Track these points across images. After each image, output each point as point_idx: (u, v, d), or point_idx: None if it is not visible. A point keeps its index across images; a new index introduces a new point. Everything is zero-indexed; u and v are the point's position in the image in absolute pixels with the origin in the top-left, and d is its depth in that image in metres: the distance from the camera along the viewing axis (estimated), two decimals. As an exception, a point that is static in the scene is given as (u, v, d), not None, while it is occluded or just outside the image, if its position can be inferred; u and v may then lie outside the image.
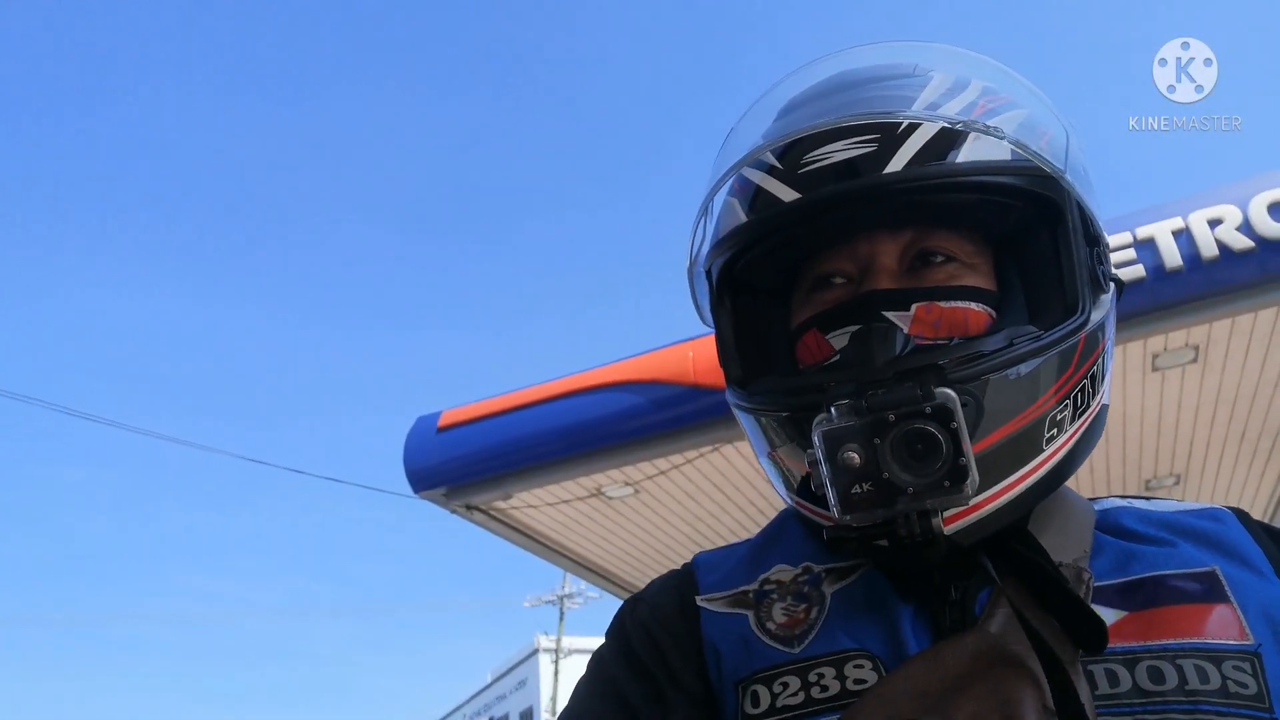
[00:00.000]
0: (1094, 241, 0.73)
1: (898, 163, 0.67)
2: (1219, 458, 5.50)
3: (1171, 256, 3.90)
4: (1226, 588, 0.64)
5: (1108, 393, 0.75)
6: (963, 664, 0.60)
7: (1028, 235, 0.72)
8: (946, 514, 0.63)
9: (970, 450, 0.59)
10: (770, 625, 0.70)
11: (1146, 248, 3.97)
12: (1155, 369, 4.47)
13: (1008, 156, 0.68)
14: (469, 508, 5.41)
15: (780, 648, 0.68)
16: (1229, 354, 4.37)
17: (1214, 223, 3.88)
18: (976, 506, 0.65)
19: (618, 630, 0.78)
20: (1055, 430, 0.67)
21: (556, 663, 28.80)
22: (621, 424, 4.69)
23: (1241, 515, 0.71)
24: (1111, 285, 0.76)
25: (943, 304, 0.70)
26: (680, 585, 0.78)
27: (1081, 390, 0.69)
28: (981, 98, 0.72)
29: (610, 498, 5.39)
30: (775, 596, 0.71)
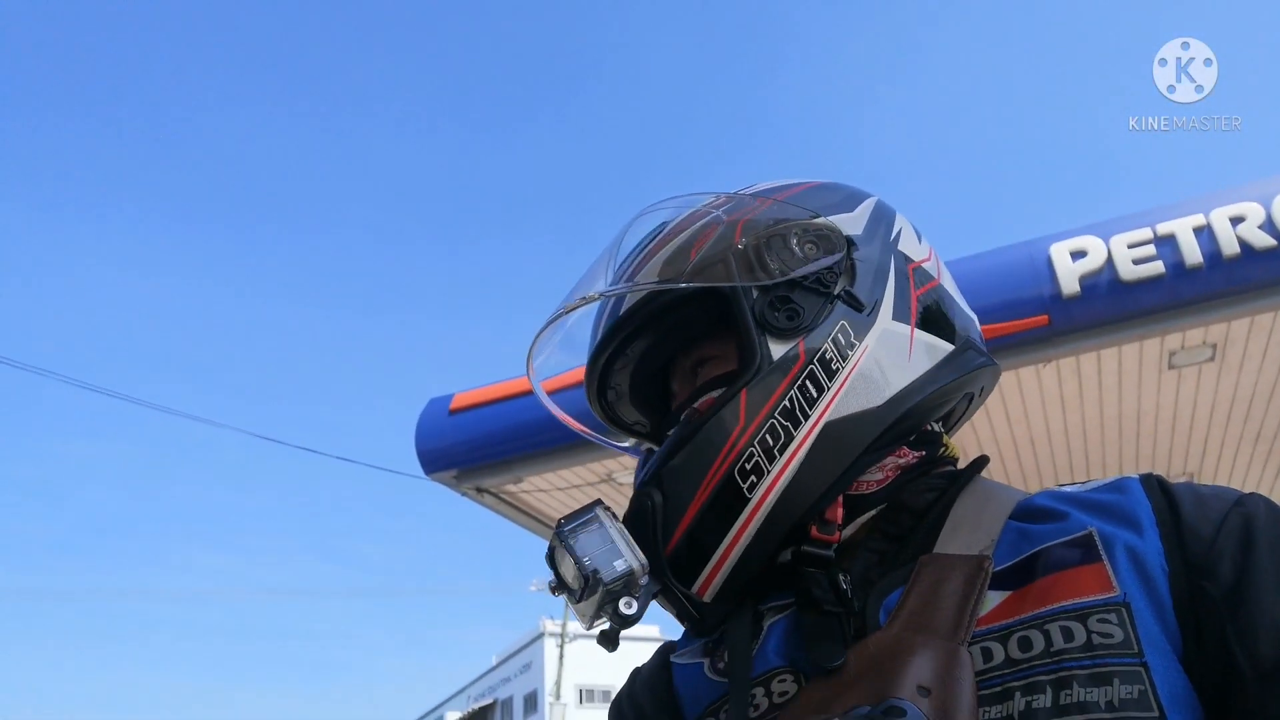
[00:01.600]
0: (771, 289, 0.81)
1: (600, 329, 0.90)
2: (1233, 457, 5.48)
3: (1192, 253, 3.87)
4: (1099, 546, 0.67)
5: (852, 399, 0.78)
6: (860, 665, 0.66)
7: (724, 319, 0.83)
8: (695, 586, 0.76)
9: (592, 556, 0.71)
10: (720, 664, 0.80)
11: (1167, 244, 3.95)
12: (1172, 367, 4.45)
13: (654, 283, 0.85)
14: (479, 490, 5.43)
15: (719, 680, 0.79)
16: (1247, 353, 4.35)
17: (1236, 220, 3.85)
18: (715, 569, 0.75)
19: (615, 701, 0.92)
20: (754, 477, 0.74)
21: (561, 647, 28.95)
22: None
23: (1146, 479, 0.73)
24: (804, 314, 0.80)
25: (696, 404, 0.84)
26: (664, 650, 0.91)
27: (770, 429, 0.75)
28: (654, 245, 0.88)
29: (620, 483, 5.40)
30: (724, 641, 0.81)
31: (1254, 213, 3.83)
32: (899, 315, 0.83)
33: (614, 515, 0.75)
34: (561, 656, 28.47)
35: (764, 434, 0.75)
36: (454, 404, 5.24)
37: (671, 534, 0.75)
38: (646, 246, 0.89)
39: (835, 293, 0.81)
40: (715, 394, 0.82)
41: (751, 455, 0.74)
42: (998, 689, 0.63)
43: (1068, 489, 0.77)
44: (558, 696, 27.79)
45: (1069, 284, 4.03)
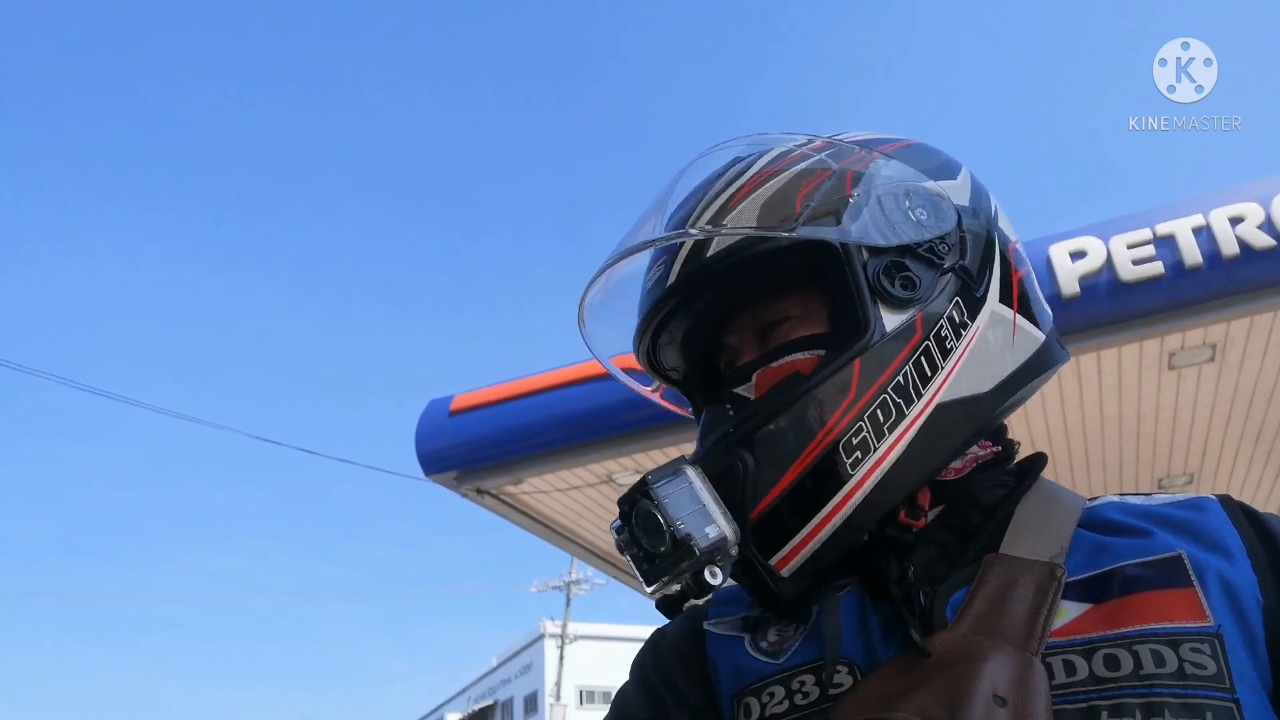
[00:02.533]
0: (884, 253, 0.76)
1: (674, 273, 0.80)
2: (1234, 458, 5.47)
3: (1191, 253, 3.87)
4: (1190, 571, 0.64)
5: (963, 381, 0.74)
6: (928, 664, 0.63)
7: (816, 276, 0.78)
8: (775, 559, 0.70)
9: (685, 519, 0.66)
10: (763, 644, 0.76)
11: (1166, 244, 3.94)
12: (1171, 367, 4.45)
13: (750, 231, 0.77)
14: (479, 492, 5.42)
15: (767, 660, 0.74)
16: (1247, 353, 4.34)
17: (1235, 220, 3.84)
18: (801, 545, 0.70)
19: (638, 660, 0.86)
20: (859, 453, 0.70)
21: (562, 648, 28.92)
22: (633, 411, 4.69)
23: (1226, 502, 0.71)
24: (920, 285, 0.75)
25: (774, 364, 0.77)
26: (695, 615, 0.85)
27: (882, 404, 0.71)
28: (744, 184, 0.80)
29: (620, 485, 5.39)
30: (771, 619, 0.77)
31: (1253, 213, 3.83)
32: (1004, 298, 0.79)
33: (703, 475, 0.70)
34: (562, 657, 28.43)
35: (875, 408, 0.71)
36: (454, 405, 5.23)
37: (760, 500, 0.70)
38: (729, 185, 0.80)
39: (949, 266, 0.77)
40: (801, 356, 0.77)
41: (860, 430, 0.70)
42: (1083, 705, 0.60)
43: (1137, 501, 0.74)
44: (558, 697, 27.75)
45: (1068, 284, 4.03)
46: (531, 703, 33.84)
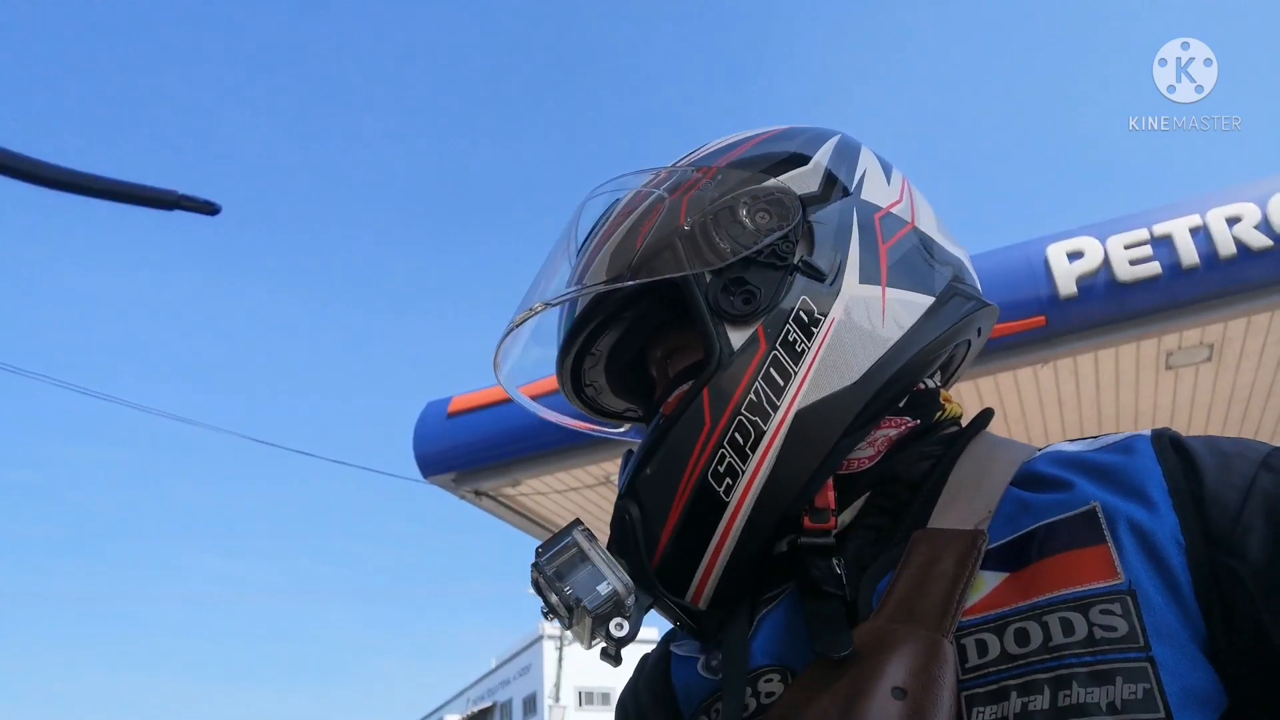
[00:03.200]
0: (725, 270, 0.76)
1: (561, 335, 0.87)
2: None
3: (1189, 254, 3.87)
4: (1103, 526, 0.61)
5: (823, 381, 0.73)
6: (846, 661, 0.61)
7: (682, 306, 0.78)
8: (689, 595, 0.73)
9: (573, 583, 0.68)
10: (714, 662, 0.76)
11: (1163, 245, 3.95)
12: (1169, 367, 4.45)
13: (599, 288, 0.81)
14: (477, 494, 5.41)
15: (711, 678, 0.75)
16: (1244, 353, 4.35)
17: (1232, 220, 3.85)
18: (705, 576, 0.72)
19: (622, 696, 0.90)
20: (729, 479, 0.71)
21: (560, 650, 28.82)
22: (631, 412, 4.68)
23: (1158, 438, 0.66)
24: (760, 295, 0.74)
25: (669, 399, 0.80)
26: (667, 637, 0.87)
27: (739, 426, 0.71)
28: (601, 235, 0.84)
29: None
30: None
31: (1250, 213, 3.83)
32: (867, 276, 0.76)
33: (591, 535, 0.71)
34: (560, 659, 28.37)
35: (733, 432, 0.71)
36: (452, 407, 5.23)
37: (655, 546, 0.72)
38: (597, 232, 0.84)
39: (793, 264, 0.75)
40: (685, 387, 0.78)
41: (723, 457, 0.71)
42: (993, 687, 0.58)
43: (1073, 448, 0.70)
44: (557, 699, 27.70)
45: (1066, 285, 4.03)
46: (530, 704, 33.80)
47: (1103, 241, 4.05)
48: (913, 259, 0.80)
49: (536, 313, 0.82)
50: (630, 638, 0.69)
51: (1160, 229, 3.95)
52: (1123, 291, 3.98)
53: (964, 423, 0.81)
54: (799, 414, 0.71)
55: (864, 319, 0.74)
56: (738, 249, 0.76)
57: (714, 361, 0.72)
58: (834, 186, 0.80)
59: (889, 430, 0.76)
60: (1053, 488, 0.66)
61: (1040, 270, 4.09)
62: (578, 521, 0.73)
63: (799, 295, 0.74)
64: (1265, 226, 3.79)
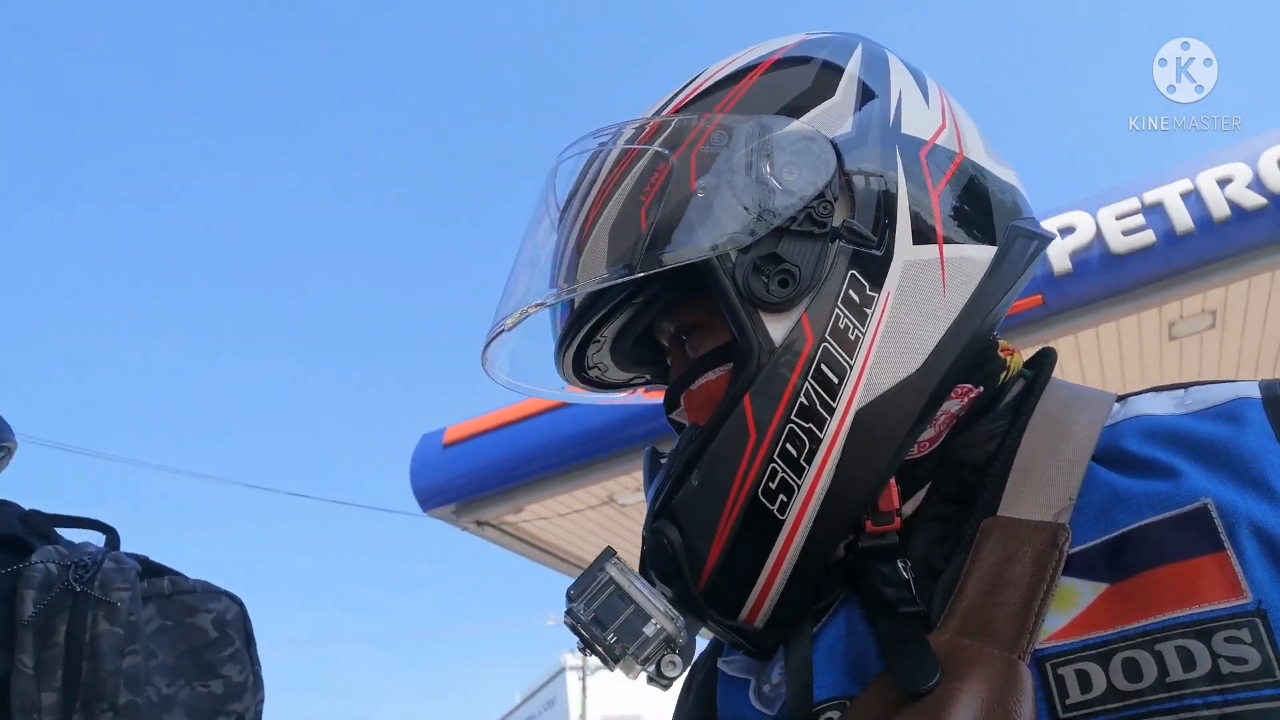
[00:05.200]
0: (753, 245, 0.63)
1: (559, 329, 0.75)
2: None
3: (1182, 219, 3.80)
4: (1220, 528, 0.51)
5: (882, 372, 0.62)
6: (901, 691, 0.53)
7: (701, 281, 0.66)
8: (742, 616, 0.64)
9: (615, 629, 0.59)
10: (766, 688, 0.66)
11: (1155, 212, 3.87)
12: (1173, 337, 4.37)
13: (599, 284, 0.67)
14: (479, 524, 5.33)
15: (764, 710, 0.65)
16: (1248, 317, 4.27)
17: (1224, 182, 3.78)
18: (762, 596, 0.63)
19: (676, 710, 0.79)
20: (783, 496, 0.60)
21: (584, 680, 28.61)
22: (629, 428, 4.60)
23: (1273, 403, 0.56)
24: (801, 274, 0.62)
25: (693, 386, 0.69)
26: (713, 648, 0.78)
27: (790, 436, 0.60)
28: (592, 205, 0.70)
29: (623, 504, 5.29)
30: (778, 655, 0.67)
31: (1241, 173, 3.76)
32: (921, 235, 0.63)
33: (626, 568, 0.62)
34: (584, 690, 28.14)
35: (784, 443, 0.60)
36: (447, 437, 5.15)
37: (700, 570, 0.63)
38: (583, 206, 0.70)
39: (834, 229, 0.63)
40: (713, 375, 0.68)
41: (775, 472, 0.60)
42: None
43: (1163, 412, 0.60)
44: (584, 730, 27.45)
45: (1060, 261, 3.96)
46: (558, 738, 33.45)
47: (1093, 214, 3.98)
48: (968, 201, 0.67)
49: (529, 314, 0.71)
50: (683, 673, 0.62)
51: (1151, 196, 3.88)
52: (1118, 263, 3.90)
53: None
54: (859, 415, 0.61)
55: (923, 289, 0.63)
56: (765, 214, 0.63)
57: (753, 361, 0.61)
58: (870, 123, 0.66)
59: (950, 404, 0.65)
60: (1150, 473, 0.56)
61: (1032, 249, 4.01)
62: (610, 552, 0.63)
63: (846, 269, 0.62)
64: (1258, 185, 3.72)
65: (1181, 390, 0.62)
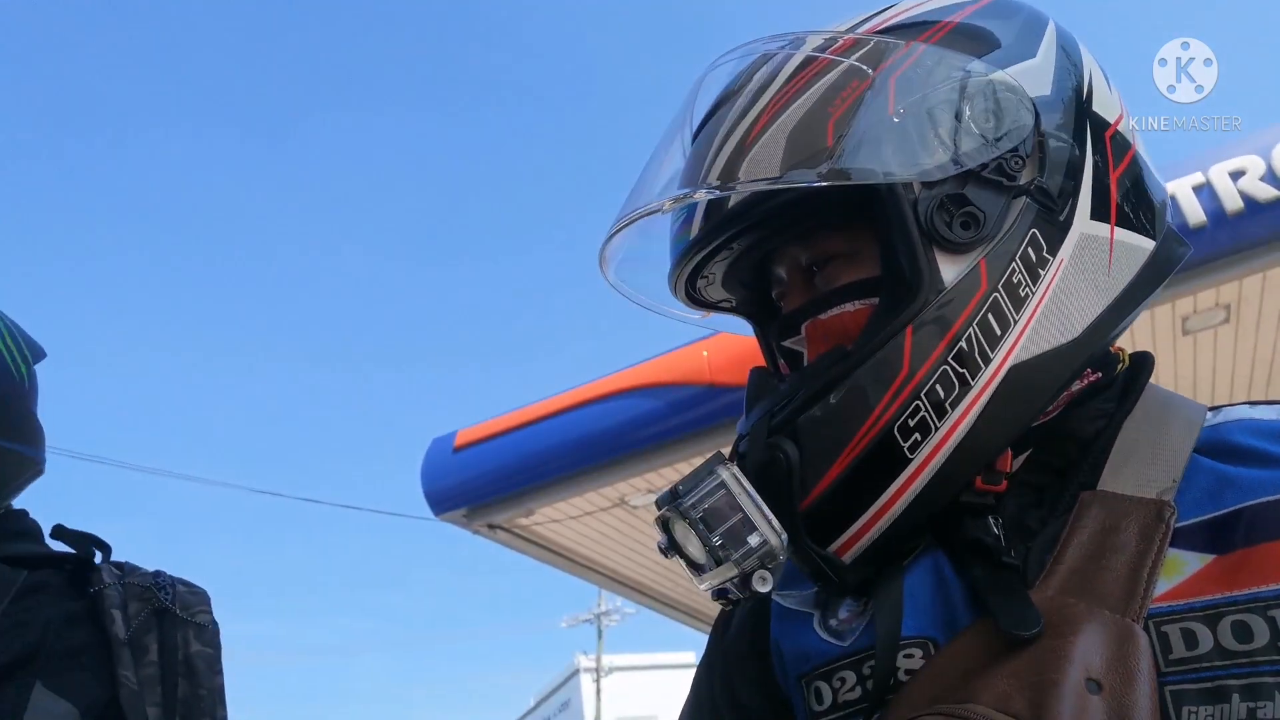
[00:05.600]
0: (940, 182, 0.63)
1: (695, 226, 0.71)
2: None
3: (1194, 213, 3.76)
4: None
5: (1042, 334, 0.63)
6: (1014, 638, 0.53)
7: (863, 208, 0.65)
8: (834, 546, 0.63)
9: (722, 532, 0.59)
10: (833, 621, 0.68)
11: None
12: (1186, 333, 4.33)
13: (770, 185, 0.65)
14: (491, 527, 5.33)
15: (834, 642, 0.67)
16: (1263, 311, 4.22)
17: (1236, 174, 3.74)
18: (861, 532, 0.62)
19: (702, 664, 0.80)
20: (918, 434, 0.61)
21: (598, 681, 28.63)
22: (639, 430, 4.59)
23: None
24: (985, 220, 0.63)
25: (823, 316, 0.69)
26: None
27: (942, 377, 0.60)
28: (766, 106, 0.67)
29: (634, 506, 5.29)
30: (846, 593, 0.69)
31: (1254, 165, 3.72)
32: (1098, 211, 0.65)
33: (739, 474, 0.61)
34: (599, 691, 28.15)
35: (934, 383, 0.60)
36: (458, 441, 5.16)
37: (810, 491, 0.62)
38: (750, 109, 0.67)
39: (1022, 185, 0.63)
40: (851, 308, 0.67)
41: (917, 410, 0.60)
42: (1209, 685, 0.51)
43: (1271, 417, 0.63)
44: (599, 732, 27.46)
45: (1071, 257, 3.93)
46: (573, 739, 33.45)
47: (1104, 209, 3.95)
48: (1138, 192, 0.69)
49: (681, 203, 0.70)
50: (771, 591, 0.61)
51: (1162, 191, 3.85)
52: (1130, 258, 3.87)
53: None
54: (1012, 369, 0.61)
55: (1093, 263, 0.64)
56: (959, 155, 0.62)
57: (921, 295, 0.61)
58: (1065, 91, 0.67)
59: (1073, 384, 0.67)
60: (1259, 462, 0.58)
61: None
62: (720, 455, 0.63)
63: (1028, 227, 0.63)
64: (1271, 177, 3.68)
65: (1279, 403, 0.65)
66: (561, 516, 5.35)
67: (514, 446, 4.92)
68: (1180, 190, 3.81)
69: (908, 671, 0.60)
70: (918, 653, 0.61)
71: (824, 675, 0.66)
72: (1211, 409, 0.66)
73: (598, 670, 29.06)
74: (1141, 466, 0.61)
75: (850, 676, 0.64)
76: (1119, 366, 0.70)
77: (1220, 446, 0.61)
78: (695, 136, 0.71)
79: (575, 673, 33.18)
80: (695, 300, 0.80)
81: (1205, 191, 3.76)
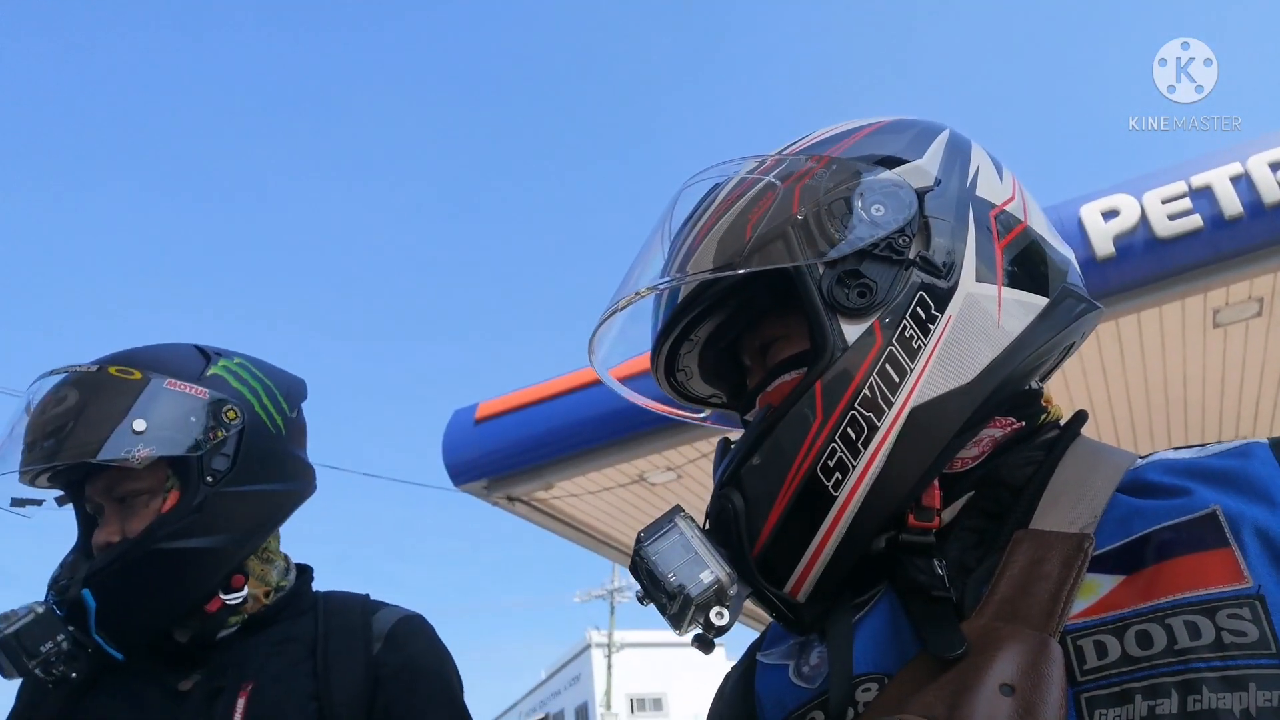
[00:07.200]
0: (839, 261, 0.74)
1: (660, 320, 0.86)
2: (1288, 418, 5.27)
3: (1231, 204, 3.71)
4: (1225, 528, 0.61)
5: (938, 379, 0.71)
6: (947, 660, 0.61)
7: (790, 294, 0.77)
8: (788, 587, 0.72)
9: (676, 570, 0.68)
10: (805, 669, 0.76)
11: (1203, 196, 3.79)
12: (1217, 325, 4.28)
13: (706, 275, 0.79)
14: (510, 499, 5.37)
15: (805, 685, 0.74)
16: (1296, 306, 4.16)
17: (1275, 165, 3.69)
18: (807, 569, 0.71)
19: (709, 711, 0.88)
20: (839, 474, 0.69)
21: (610, 657, 28.86)
22: (660, 407, 4.60)
23: (1277, 445, 0.66)
24: (877, 289, 0.73)
25: (769, 388, 0.80)
26: (751, 648, 0.88)
27: (852, 421, 0.70)
28: (707, 220, 0.82)
29: (653, 483, 5.31)
30: (815, 640, 0.76)
31: (1295, 157, 3.66)
32: (983, 275, 0.75)
33: (694, 522, 0.71)
34: (610, 667, 28.37)
35: (845, 427, 0.70)
36: (479, 413, 5.19)
37: (757, 537, 0.71)
38: (699, 220, 0.82)
39: (910, 259, 0.74)
40: (789, 377, 0.78)
41: (834, 451, 0.70)
42: (1115, 689, 0.57)
43: (1183, 456, 0.70)
44: (608, 707, 27.69)
45: (1102, 245, 3.89)
46: (583, 714, 33.78)
47: (1138, 198, 3.90)
48: (1027, 258, 0.79)
49: (641, 296, 0.82)
50: (729, 627, 0.69)
51: (1199, 180, 3.79)
52: (1163, 248, 3.82)
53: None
54: (913, 411, 0.70)
55: (981, 317, 0.73)
56: (854, 241, 0.74)
57: (827, 354, 0.71)
58: (949, 181, 0.79)
59: (994, 431, 0.76)
60: (1167, 494, 0.66)
61: (1074, 233, 3.94)
62: (679, 508, 0.73)
63: (916, 291, 0.73)
64: (1311, 169, 3.62)
65: (1200, 446, 0.72)
66: (580, 491, 5.38)
67: (535, 420, 4.95)
68: (1217, 180, 3.76)
69: (865, 704, 0.66)
70: (875, 687, 0.67)
71: (798, 718, 0.73)
72: (1143, 456, 0.74)
73: (609, 646, 29.29)
74: (1069, 507, 0.68)
75: (819, 716, 0.70)
76: (1044, 417, 0.79)
77: (1138, 485, 0.68)
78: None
79: (587, 648, 33.47)
80: (686, 396, 0.94)
81: (1243, 182, 3.71)
